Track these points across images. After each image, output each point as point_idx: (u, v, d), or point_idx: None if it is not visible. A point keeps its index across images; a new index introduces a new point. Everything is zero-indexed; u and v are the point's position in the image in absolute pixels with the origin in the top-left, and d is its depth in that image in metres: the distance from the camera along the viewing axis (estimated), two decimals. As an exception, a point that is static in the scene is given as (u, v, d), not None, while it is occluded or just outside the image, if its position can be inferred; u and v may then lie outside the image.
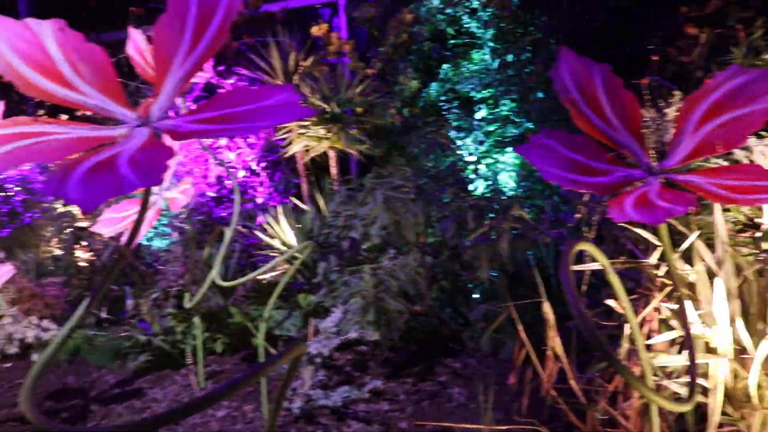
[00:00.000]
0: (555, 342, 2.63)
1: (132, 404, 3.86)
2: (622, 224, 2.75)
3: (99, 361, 4.76)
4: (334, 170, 5.69)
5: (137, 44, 2.91)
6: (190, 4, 1.58)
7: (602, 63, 1.84)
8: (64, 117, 5.88)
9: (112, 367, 4.68)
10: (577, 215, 2.06)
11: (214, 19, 1.57)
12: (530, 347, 2.89)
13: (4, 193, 6.07)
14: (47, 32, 1.60)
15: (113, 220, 3.51)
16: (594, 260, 2.33)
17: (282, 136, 5.58)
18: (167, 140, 1.50)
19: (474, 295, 4.33)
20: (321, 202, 5.39)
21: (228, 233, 3.39)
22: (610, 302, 2.66)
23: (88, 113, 1.67)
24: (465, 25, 5.56)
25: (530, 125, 5.15)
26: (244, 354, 4.48)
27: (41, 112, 7.43)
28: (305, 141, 5.36)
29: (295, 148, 5.43)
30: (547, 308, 2.64)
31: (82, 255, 6.84)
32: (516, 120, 5.29)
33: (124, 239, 3.32)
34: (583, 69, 1.83)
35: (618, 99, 1.81)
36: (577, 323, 1.50)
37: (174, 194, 3.43)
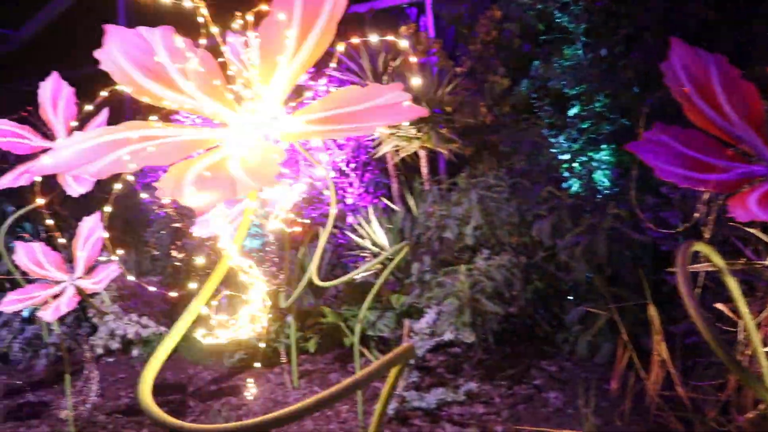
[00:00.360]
0: (661, 347, 2.52)
1: (229, 401, 3.94)
2: (735, 224, 2.61)
3: (195, 358, 4.89)
4: (424, 170, 5.66)
5: (235, 48, 2.96)
6: (295, 5, 1.58)
7: (716, 53, 1.74)
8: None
9: (208, 363, 4.80)
10: (696, 214, 1.95)
11: (319, 20, 1.57)
12: (633, 351, 2.79)
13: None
14: (157, 39, 1.64)
15: (211, 222, 3.59)
16: (702, 261, 2.22)
17: (371, 137, 5.59)
18: (277, 142, 1.50)
19: (568, 297, 4.22)
20: (411, 203, 5.37)
21: (324, 234, 3.41)
22: (720, 306, 2.52)
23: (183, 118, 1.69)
24: (556, 21, 5.43)
25: (625, 121, 4.98)
26: (336, 353, 4.51)
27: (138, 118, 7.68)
28: (395, 141, 5.36)
29: (385, 149, 5.44)
30: (652, 311, 2.53)
31: (178, 255, 7.05)
32: (610, 116, 5.13)
33: (223, 241, 3.38)
34: (695, 60, 1.74)
35: (736, 91, 1.71)
36: (698, 326, 1.42)
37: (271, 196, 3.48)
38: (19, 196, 6.51)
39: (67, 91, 4.04)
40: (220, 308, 2.82)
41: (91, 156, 1.43)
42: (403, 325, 3.84)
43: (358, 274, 2.89)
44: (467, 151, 5.41)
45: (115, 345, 4.98)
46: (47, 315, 3.02)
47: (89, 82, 4.08)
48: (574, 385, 3.68)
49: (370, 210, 5.35)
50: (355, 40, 1.91)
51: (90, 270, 3.27)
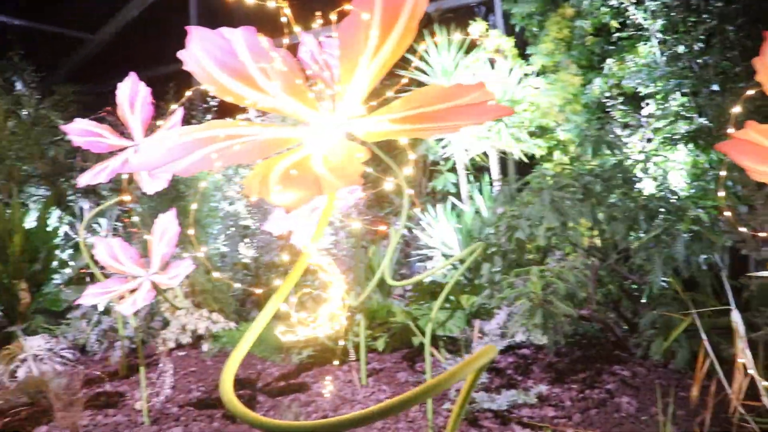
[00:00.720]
0: (745, 354, 2.43)
1: (298, 397, 3.97)
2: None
3: (264, 354, 4.96)
4: (494, 169, 5.60)
5: (310, 48, 2.98)
6: (375, 4, 1.57)
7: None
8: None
9: (276, 359, 4.86)
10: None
11: (400, 18, 1.56)
12: (712, 358, 2.69)
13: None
14: (239, 39, 1.66)
15: (282, 219, 3.63)
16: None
17: (440, 137, 5.56)
18: (358, 140, 1.50)
19: (642, 300, 4.12)
20: (481, 202, 5.33)
21: (396, 233, 3.41)
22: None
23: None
24: (631, 17, 5.29)
25: (704, 121, 4.82)
26: (404, 353, 4.51)
27: (209, 117, 7.84)
28: (464, 140, 5.32)
29: (454, 147, 5.40)
30: (736, 316, 2.45)
31: (246, 252, 7.16)
32: (687, 115, 4.97)
33: (296, 238, 3.42)
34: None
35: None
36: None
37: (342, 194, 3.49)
38: (95, 193, 6.74)
39: (144, 91, 4.15)
40: (296, 306, 2.86)
41: (178, 154, 1.45)
42: (472, 326, 3.82)
43: (433, 274, 2.87)
44: (538, 151, 5.34)
45: (186, 339, 5.10)
46: (125, 309, 3.11)
47: (164, 82, 4.21)
48: (647, 391, 3.59)
49: (439, 209, 5.33)
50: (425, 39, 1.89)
51: (165, 265, 3.35)
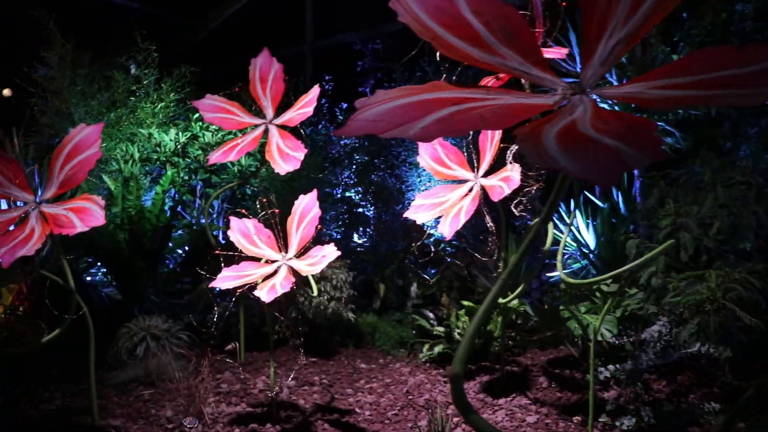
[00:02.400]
0: None
1: (433, 397, 3.71)
2: None
3: (385, 347, 4.74)
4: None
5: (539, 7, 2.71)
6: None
7: None
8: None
9: (398, 354, 4.62)
10: None
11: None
12: None
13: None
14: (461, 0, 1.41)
15: (426, 207, 3.37)
16: None
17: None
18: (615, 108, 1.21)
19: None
20: (620, 198, 4.95)
21: (550, 229, 3.11)
22: None
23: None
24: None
25: None
26: (549, 357, 4.19)
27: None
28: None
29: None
30: None
31: (358, 240, 6.98)
32: None
33: (443, 228, 3.15)
34: None
35: None
36: None
37: (492, 182, 3.20)
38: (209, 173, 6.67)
39: (276, 67, 3.97)
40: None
41: (405, 117, 1.21)
42: (625, 332, 3.47)
43: (613, 277, 2.56)
44: (684, 146, 4.88)
45: (305, 328, 4.94)
46: (263, 295, 2.91)
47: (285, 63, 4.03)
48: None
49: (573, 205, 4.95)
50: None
51: (305, 250, 3.15)
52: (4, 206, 4.38)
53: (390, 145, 6.97)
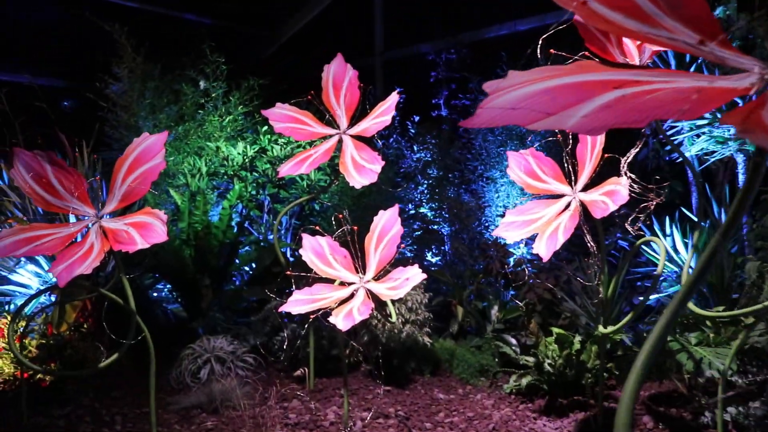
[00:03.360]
0: None
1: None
2: None
3: (464, 375, 4.38)
4: (748, 176, 4.68)
5: None
6: None
7: None
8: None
9: (478, 384, 4.26)
10: None
11: None
12: None
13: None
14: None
15: (518, 224, 3.03)
16: None
17: (675, 137, 4.70)
18: None
19: None
20: (722, 214, 4.50)
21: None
22: None
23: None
24: None
25: None
26: (651, 390, 3.76)
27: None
28: (701, 144, 4.50)
29: (693, 151, 4.57)
30: None
31: (431, 259, 6.65)
32: None
33: (538, 247, 2.81)
34: None
35: None
36: None
37: (594, 196, 2.84)
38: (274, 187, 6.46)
39: (351, 74, 3.71)
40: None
41: (557, 104, 0.89)
42: (747, 369, 3.04)
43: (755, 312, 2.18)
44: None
45: (376, 352, 4.64)
46: (339, 321, 2.60)
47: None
48: None
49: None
50: None
51: (384, 273, 2.84)
52: (72, 220, 4.23)
53: (465, 159, 6.64)
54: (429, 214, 6.62)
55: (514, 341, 4.33)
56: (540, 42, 2.23)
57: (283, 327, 4.79)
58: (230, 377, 4.16)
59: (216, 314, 5.31)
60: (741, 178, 4.61)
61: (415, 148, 6.92)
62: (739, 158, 4.52)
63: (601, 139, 2.92)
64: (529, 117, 0.87)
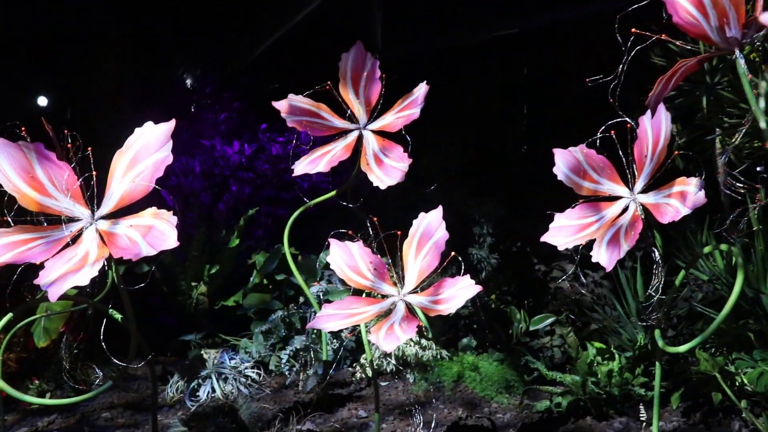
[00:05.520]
0: None
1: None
2: None
3: (485, 392, 4.04)
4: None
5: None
6: None
7: None
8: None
9: (503, 401, 3.92)
10: None
11: None
12: None
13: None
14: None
15: (569, 229, 2.69)
16: None
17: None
18: None
19: None
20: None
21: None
22: None
23: None
24: None
25: None
26: (704, 411, 3.43)
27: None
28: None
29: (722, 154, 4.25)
30: None
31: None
32: None
33: (597, 255, 2.46)
34: None
35: None
36: None
37: (658, 199, 2.49)
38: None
39: (371, 63, 3.36)
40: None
41: None
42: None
43: None
44: None
45: (389, 366, 4.29)
46: (380, 341, 2.23)
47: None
48: None
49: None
50: None
51: (427, 284, 2.48)
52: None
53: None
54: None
55: (541, 354, 4.00)
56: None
57: (290, 338, 4.42)
58: (238, 396, 3.81)
59: (212, 324, 4.95)
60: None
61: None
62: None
63: (666, 134, 2.59)
64: None
